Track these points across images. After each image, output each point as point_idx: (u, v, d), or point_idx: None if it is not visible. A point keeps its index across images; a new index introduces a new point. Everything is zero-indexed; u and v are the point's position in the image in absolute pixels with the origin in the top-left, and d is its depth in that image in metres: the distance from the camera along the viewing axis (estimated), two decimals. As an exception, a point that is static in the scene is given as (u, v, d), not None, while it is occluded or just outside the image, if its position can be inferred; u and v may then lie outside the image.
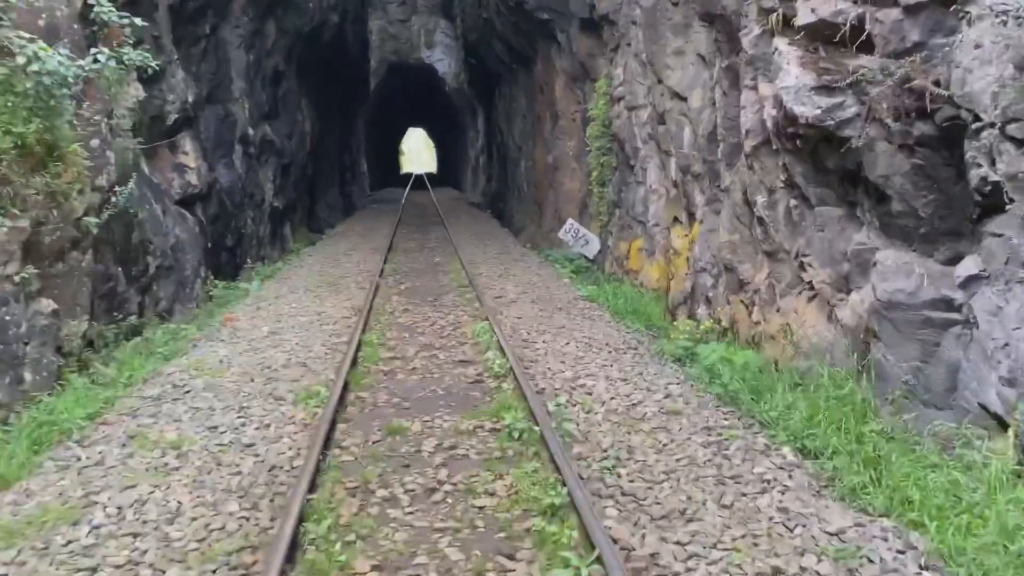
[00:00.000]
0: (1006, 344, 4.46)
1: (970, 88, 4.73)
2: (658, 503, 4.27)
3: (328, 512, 4.13)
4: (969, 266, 4.93)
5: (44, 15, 7.98)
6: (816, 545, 3.81)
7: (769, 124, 6.79)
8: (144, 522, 4.05)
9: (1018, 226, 4.49)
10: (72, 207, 7.68)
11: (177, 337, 9.04)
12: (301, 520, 3.97)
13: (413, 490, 4.46)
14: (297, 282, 11.95)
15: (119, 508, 4.18)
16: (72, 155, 7.65)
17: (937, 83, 5.12)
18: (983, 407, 4.63)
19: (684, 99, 9.36)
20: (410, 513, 4.21)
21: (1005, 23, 4.57)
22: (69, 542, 3.83)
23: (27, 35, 7.03)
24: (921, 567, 3.61)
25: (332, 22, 21.98)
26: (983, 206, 4.78)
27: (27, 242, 7.01)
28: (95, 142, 8.73)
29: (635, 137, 11.49)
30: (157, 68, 9.70)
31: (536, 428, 5.13)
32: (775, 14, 6.75)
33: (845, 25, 5.82)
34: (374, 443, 5.20)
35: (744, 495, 4.37)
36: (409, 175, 56.94)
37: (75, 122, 8.02)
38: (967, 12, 4.94)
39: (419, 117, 56.92)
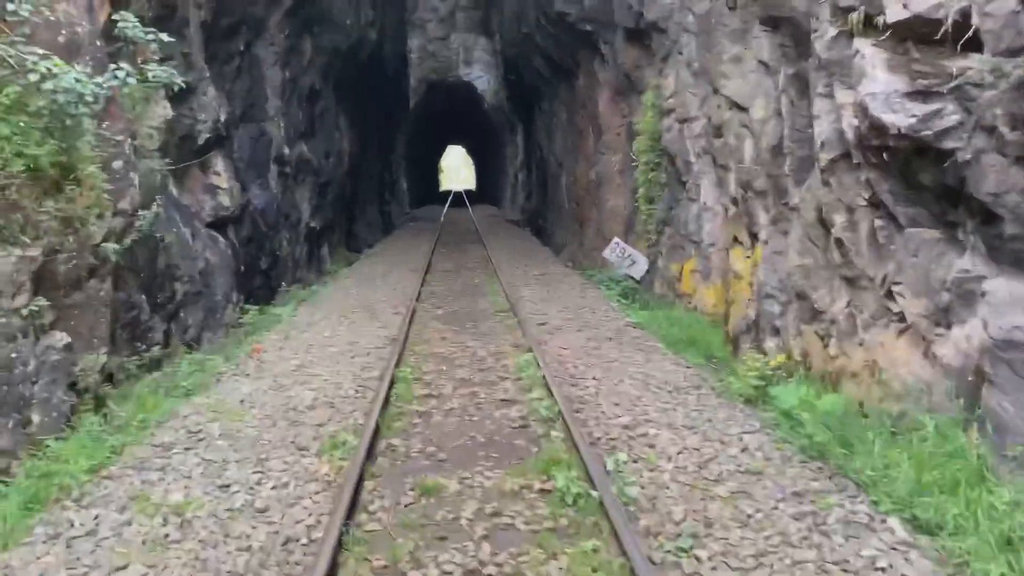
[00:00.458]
0: None
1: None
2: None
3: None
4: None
5: (64, 31, 7.59)
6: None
7: (850, 135, 6.03)
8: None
9: None
10: (90, 233, 7.22)
11: (203, 368, 8.53)
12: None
13: (450, 572, 3.77)
14: (331, 307, 11.43)
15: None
16: (90, 178, 7.19)
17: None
18: None
19: (745, 110, 8.61)
20: (448, 607, 3.53)
21: None
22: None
23: (41, 51, 6.60)
24: None
25: (370, 39, 21.67)
26: None
27: (40, 271, 6.54)
28: (117, 163, 8.30)
29: (687, 151, 10.75)
30: (184, 86, 9.28)
31: (594, 494, 4.42)
32: (855, 13, 6.01)
33: (946, 21, 5.05)
34: (406, 507, 4.54)
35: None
36: (448, 192, 56.79)
37: (95, 143, 7.59)
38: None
39: (458, 134, 56.83)
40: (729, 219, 9.41)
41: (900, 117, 5.27)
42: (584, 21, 15.59)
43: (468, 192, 56.77)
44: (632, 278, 13.53)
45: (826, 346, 6.93)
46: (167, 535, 4.11)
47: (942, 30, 5.07)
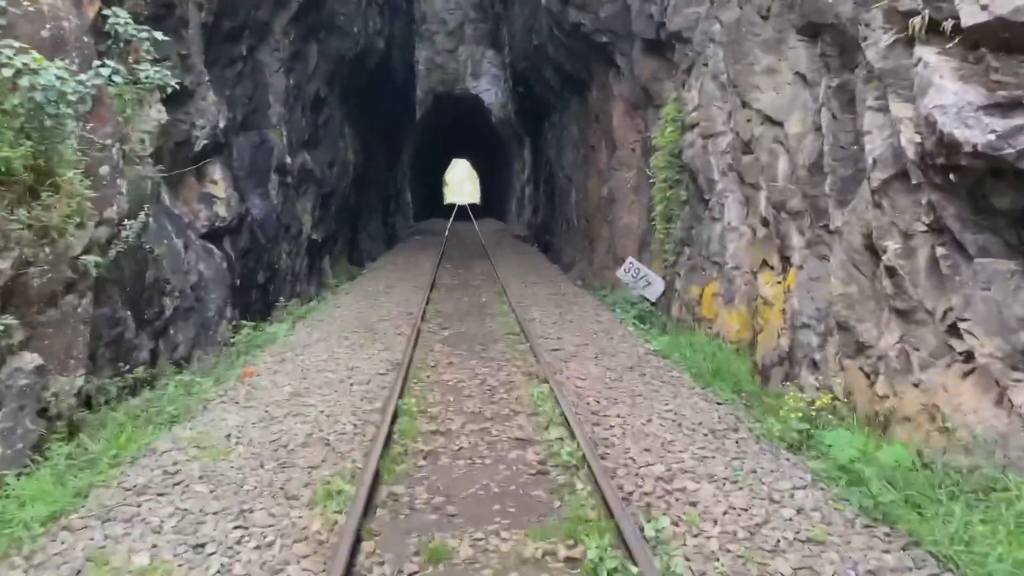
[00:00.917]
0: None
1: None
2: None
3: None
4: None
5: (48, 25, 7.03)
6: None
7: (910, 153, 5.42)
8: None
9: None
10: (68, 244, 6.62)
11: (190, 392, 7.92)
12: None
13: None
14: (331, 326, 10.79)
15: None
16: (70, 184, 6.60)
17: None
18: None
19: (779, 124, 8.02)
20: None
21: None
22: None
23: (18, 44, 6.03)
24: None
25: (378, 48, 21.18)
26: None
27: (9, 286, 5.95)
28: (104, 169, 7.72)
29: (711, 168, 10.15)
30: (177, 87, 8.72)
31: (634, 569, 3.76)
32: (917, 18, 5.42)
33: (1034, 24, 4.45)
34: (409, 576, 3.89)
35: None
36: (452, 206, 56.34)
37: (79, 146, 7.01)
38: None
39: (464, 147, 56.45)
40: (758, 241, 8.79)
41: (976, 133, 4.67)
42: (599, 32, 15.05)
43: (473, 206, 56.33)
44: (647, 300, 12.90)
45: (873, 384, 6.30)
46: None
47: (1030, 34, 4.48)
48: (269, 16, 13.78)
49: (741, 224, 9.69)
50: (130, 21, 8.01)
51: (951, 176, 5.06)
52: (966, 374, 5.23)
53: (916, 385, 5.68)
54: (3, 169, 5.83)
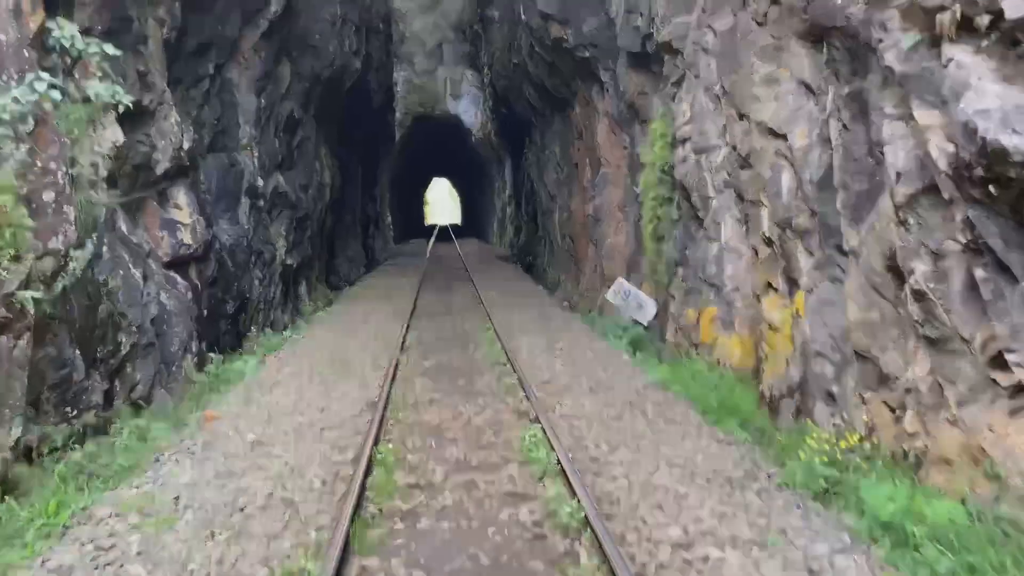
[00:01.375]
0: None
1: None
2: None
3: None
4: None
5: (-20, 37, 6.37)
6: None
7: (942, 164, 4.87)
8: None
9: None
10: (1, 279, 5.92)
11: (146, 438, 7.20)
12: None
13: None
14: (303, 359, 10.05)
15: None
16: (3, 212, 5.91)
17: None
18: None
19: (781, 137, 7.48)
20: None
21: None
22: None
23: (-62, 56, 5.36)
24: None
25: (354, 68, 20.60)
26: None
27: (-74, 329, 5.24)
28: (48, 195, 7.02)
29: (706, 185, 9.61)
30: (130, 105, 8.05)
31: None
32: (946, 14, 4.88)
33: (1092, 15, 3.92)
34: None
35: None
36: (433, 226, 55.79)
37: (18, 170, 6.33)
38: None
39: (444, 168, 56.07)
40: (760, 261, 8.21)
41: (1025, 140, 4.12)
42: (582, 47, 14.57)
43: (454, 226, 55.79)
44: (639, 323, 12.31)
45: (899, 420, 5.70)
46: None
47: (1090, 27, 3.94)
48: (237, 33, 13.16)
49: (740, 244, 9.13)
50: (77, 34, 7.35)
51: (992, 189, 4.50)
52: (1015, 412, 4.64)
53: (953, 423, 5.09)
54: (-82, 196, 5.14)
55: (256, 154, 13.94)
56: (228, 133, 13.04)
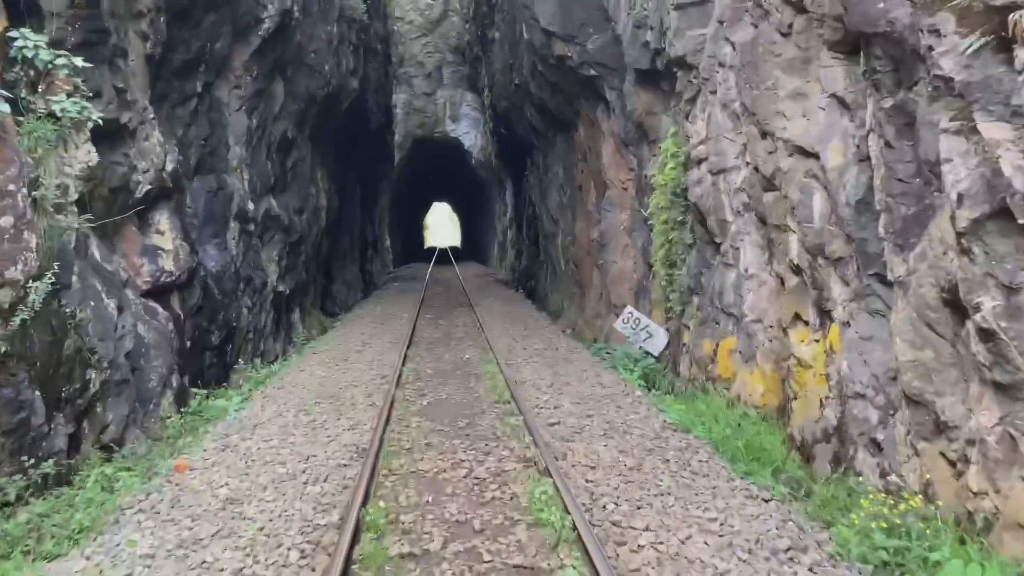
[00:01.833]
0: None
1: None
2: None
3: None
4: None
5: (-71, 46, 5.76)
6: None
7: (1017, 183, 4.23)
8: None
9: None
10: (-59, 316, 5.26)
11: (113, 487, 6.50)
12: None
13: None
14: (290, 395, 9.33)
15: None
16: (-55, 240, 5.26)
17: None
18: None
19: (812, 156, 6.85)
20: None
21: None
22: None
23: None
24: None
25: (351, 88, 20.09)
26: None
27: None
28: (5, 220, 6.39)
29: (723, 207, 8.97)
30: (99, 121, 7.44)
31: None
32: (1017, 13, 4.26)
33: None
34: None
35: None
36: (433, 250, 55.28)
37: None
38: None
39: (444, 191, 55.67)
40: (788, 291, 7.55)
41: None
42: (587, 65, 14.01)
43: (454, 249, 55.24)
44: (649, 353, 11.62)
45: (961, 475, 5.01)
46: None
47: None
48: (228, 50, 12.60)
49: (761, 271, 8.48)
50: (42, 45, 6.74)
51: (1083, 213, 3.86)
52: (1114, 474, 3.95)
53: (1032, 482, 4.40)
54: None
55: (247, 176, 13.33)
56: (217, 154, 12.43)
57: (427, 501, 5.68)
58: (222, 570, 4.46)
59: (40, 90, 6.85)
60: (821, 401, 6.76)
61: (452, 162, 43.67)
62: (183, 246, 10.25)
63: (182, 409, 9.16)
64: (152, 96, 10.29)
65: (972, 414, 4.91)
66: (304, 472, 6.23)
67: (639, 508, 5.40)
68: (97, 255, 8.45)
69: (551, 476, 5.83)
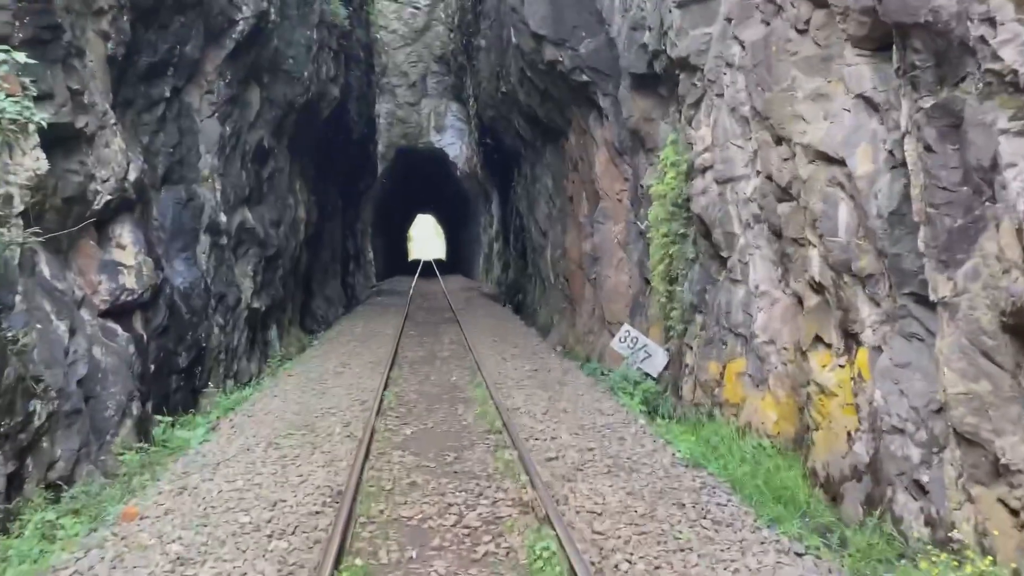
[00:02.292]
0: None
1: None
2: None
3: None
4: None
5: None
6: None
7: (1108, 192, 3.58)
8: None
9: None
10: None
11: (53, 535, 5.73)
12: None
13: None
14: (261, 425, 8.53)
15: None
16: None
17: None
18: None
19: (837, 162, 6.23)
20: None
21: None
22: None
23: None
24: None
25: (332, 96, 19.38)
26: None
27: None
28: (-70, 235, 5.63)
29: (731, 219, 8.34)
30: (43, 124, 6.70)
31: None
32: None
33: None
34: None
35: None
36: (417, 262, 54.51)
37: None
38: None
39: (428, 202, 55.00)
40: (807, 311, 6.90)
41: None
42: (579, 70, 13.40)
43: (439, 262, 54.47)
44: (647, 374, 10.95)
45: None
46: None
47: None
48: (199, 53, 11.86)
49: (773, 288, 7.84)
50: (-24, 37, 6.01)
51: None
52: None
53: (1124, 542, 3.75)
54: None
55: (219, 186, 12.57)
56: (187, 163, 11.67)
57: (411, 558, 4.94)
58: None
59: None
60: (849, 434, 6.11)
61: (437, 173, 43.04)
62: (147, 261, 9.48)
63: (142, 440, 8.38)
64: (115, 100, 9.55)
65: (1041, 457, 4.27)
66: (269, 522, 5.46)
67: (657, 568, 4.68)
68: (46, 272, 7.68)
69: (553, 526, 5.12)
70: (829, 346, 6.58)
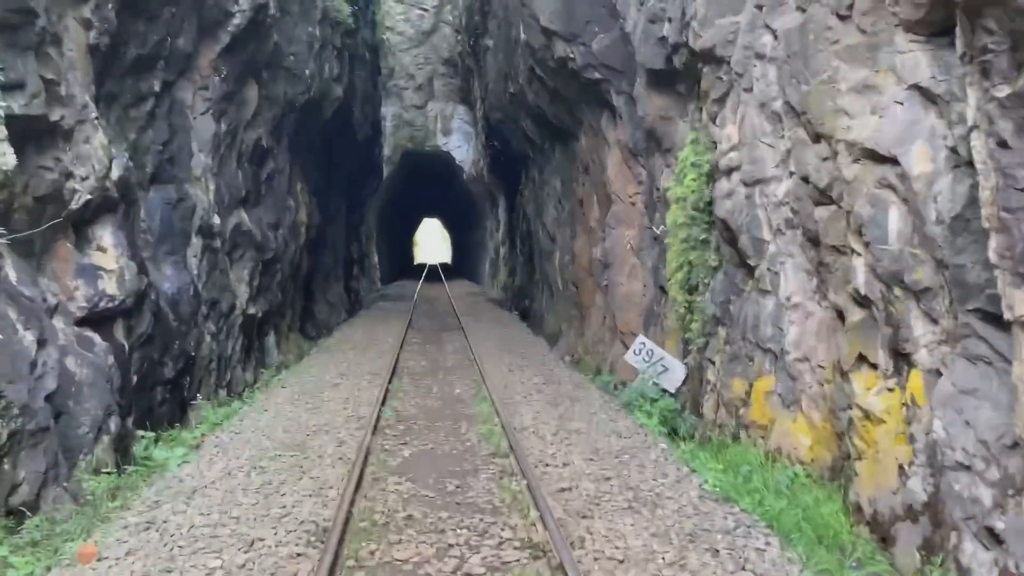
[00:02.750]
0: None
1: None
2: None
3: None
4: None
5: None
6: None
7: None
8: None
9: None
10: None
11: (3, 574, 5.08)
12: None
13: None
14: (246, 445, 7.87)
15: None
16: None
17: None
18: None
19: (888, 161, 5.55)
20: None
21: None
22: None
23: None
24: None
25: (335, 95, 18.78)
26: None
27: None
28: None
29: (759, 224, 7.67)
30: (3, 113, 6.08)
31: None
32: None
33: None
34: None
35: None
36: (423, 266, 53.97)
37: None
38: None
39: (434, 206, 54.49)
40: (849, 327, 6.22)
41: None
42: (591, 67, 12.76)
43: (444, 266, 53.90)
44: (664, 390, 10.27)
45: None
46: None
47: None
48: (193, 47, 11.27)
49: (807, 300, 7.16)
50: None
51: None
52: None
53: None
54: None
55: (213, 187, 11.97)
56: (178, 162, 11.07)
57: (405, 614, 4.30)
58: None
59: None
60: (901, 467, 5.42)
61: (443, 176, 42.50)
62: (130, 265, 8.87)
63: (121, 459, 7.75)
64: (98, 94, 8.97)
65: None
66: (243, 567, 4.81)
67: (693, 636, 4.03)
68: (12, 277, 7.06)
69: (563, 572, 4.45)
70: (875, 367, 5.90)
